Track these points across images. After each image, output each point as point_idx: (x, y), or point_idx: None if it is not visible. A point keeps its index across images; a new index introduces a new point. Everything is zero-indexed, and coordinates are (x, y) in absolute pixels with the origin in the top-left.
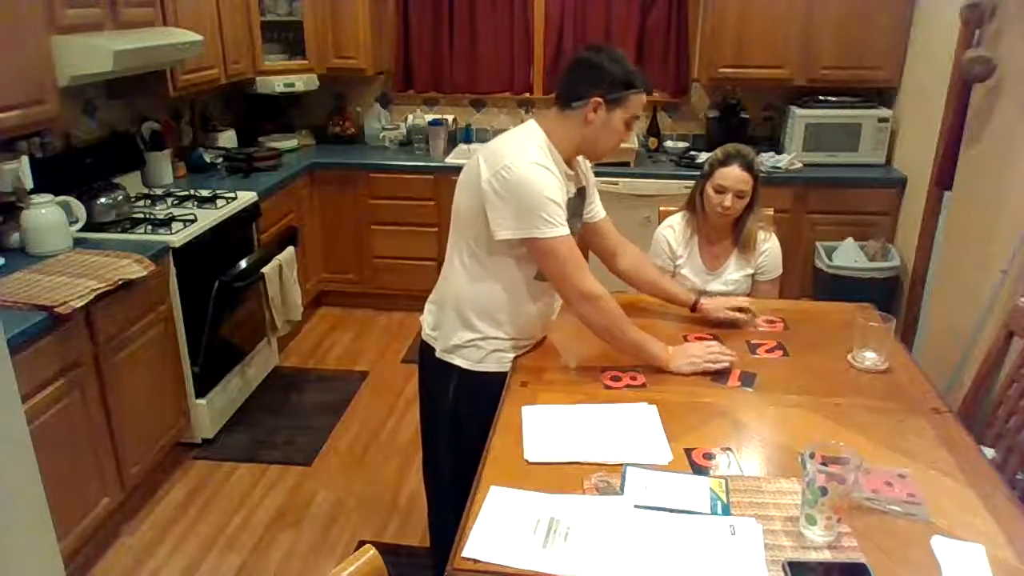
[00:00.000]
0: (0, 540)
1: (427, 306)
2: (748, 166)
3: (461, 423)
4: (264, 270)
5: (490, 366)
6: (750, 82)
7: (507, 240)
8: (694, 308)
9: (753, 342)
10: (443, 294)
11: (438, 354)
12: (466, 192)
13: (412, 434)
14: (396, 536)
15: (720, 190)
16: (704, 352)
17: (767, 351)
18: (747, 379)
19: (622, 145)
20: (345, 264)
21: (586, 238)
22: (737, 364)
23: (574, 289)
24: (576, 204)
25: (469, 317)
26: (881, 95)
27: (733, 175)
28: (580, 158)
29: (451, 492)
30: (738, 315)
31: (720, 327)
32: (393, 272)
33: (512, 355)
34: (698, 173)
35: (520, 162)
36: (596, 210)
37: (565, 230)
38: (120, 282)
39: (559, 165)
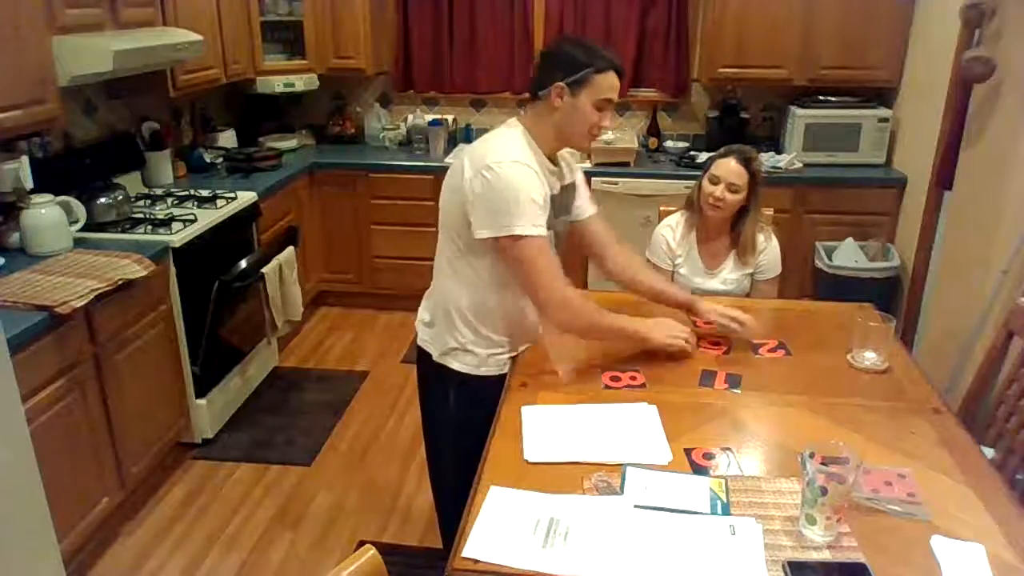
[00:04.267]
0: (0, 540)
1: (420, 311)
2: (745, 161)
3: (464, 428)
4: (264, 270)
5: (490, 370)
6: (750, 82)
7: (487, 240)
8: (690, 310)
9: (755, 342)
10: (435, 298)
11: (436, 358)
12: (450, 193)
13: (412, 434)
14: (396, 536)
15: (714, 181)
16: (679, 328)
17: (769, 351)
18: (733, 380)
19: (622, 145)
20: (345, 264)
21: (574, 236)
22: (724, 366)
23: (548, 296)
24: (561, 201)
25: (463, 320)
26: (881, 95)
27: (727, 167)
28: (567, 153)
29: (460, 498)
30: (731, 324)
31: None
32: (393, 272)
33: (509, 357)
34: (698, 173)
35: (502, 161)
36: (583, 207)
37: (541, 231)
38: (120, 282)
39: (541, 162)
